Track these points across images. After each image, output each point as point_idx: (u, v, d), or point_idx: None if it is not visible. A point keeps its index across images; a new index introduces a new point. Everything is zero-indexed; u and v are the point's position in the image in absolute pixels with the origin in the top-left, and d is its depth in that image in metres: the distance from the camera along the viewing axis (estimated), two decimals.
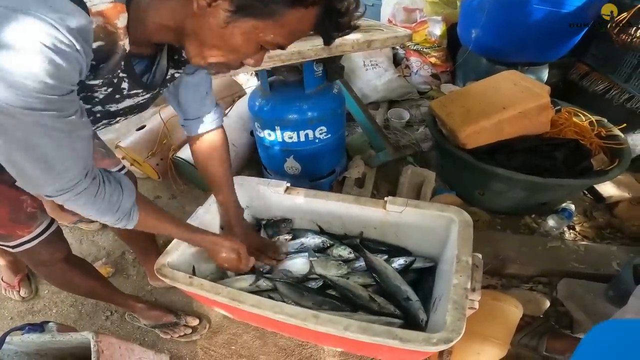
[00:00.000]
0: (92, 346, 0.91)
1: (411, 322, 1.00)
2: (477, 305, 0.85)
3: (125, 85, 0.69)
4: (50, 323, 1.09)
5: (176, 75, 0.85)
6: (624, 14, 1.83)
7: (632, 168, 1.65)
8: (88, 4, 0.54)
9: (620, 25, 1.84)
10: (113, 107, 0.74)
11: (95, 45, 0.57)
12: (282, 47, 0.68)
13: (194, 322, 1.35)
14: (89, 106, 0.70)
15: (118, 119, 0.82)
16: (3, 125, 0.53)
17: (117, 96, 0.71)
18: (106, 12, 0.56)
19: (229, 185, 1.16)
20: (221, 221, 1.25)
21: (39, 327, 1.07)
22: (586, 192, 1.82)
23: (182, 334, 1.32)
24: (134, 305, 1.31)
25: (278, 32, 0.63)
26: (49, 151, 0.59)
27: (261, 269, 1.21)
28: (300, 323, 0.83)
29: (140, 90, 0.75)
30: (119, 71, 0.66)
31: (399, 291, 1.07)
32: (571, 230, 1.64)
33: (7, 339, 0.98)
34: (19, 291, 1.54)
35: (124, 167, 1.19)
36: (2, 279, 1.56)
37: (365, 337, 0.78)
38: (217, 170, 1.11)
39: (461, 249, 0.93)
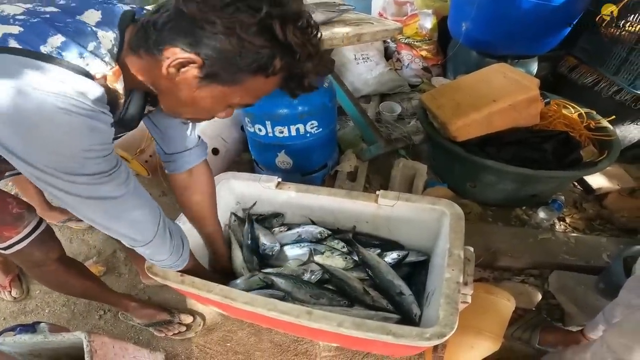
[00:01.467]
0: (85, 346, 0.90)
1: (405, 317, 1.00)
2: (469, 299, 0.85)
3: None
4: (42, 323, 1.08)
5: (152, 110, 0.87)
6: (613, 7, 1.85)
7: (621, 159, 1.68)
8: (92, 72, 0.61)
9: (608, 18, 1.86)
10: None
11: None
12: (250, 106, 0.74)
13: (188, 319, 1.34)
14: None
15: None
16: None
17: None
18: (109, 78, 0.64)
19: (216, 219, 1.17)
20: (209, 254, 1.25)
21: (31, 328, 1.06)
22: (576, 184, 1.84)
23: (176, 331, 1.32)
24: (127, 304, 1.30)
25: (244, 95, 0.69)
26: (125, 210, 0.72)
27: (268, 251, 1.23)
28: (294, 320, 0.83)
29: (124, 133, 0.86)
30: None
31: (392, 286, 1.07)
32: (561, 222, 1.66)
33: (0, 339, 0.97)
34: (10, 292, 1.53)
35: None
36: None
37: (359, 333, 0.79)
38: (206, 205, 1.12)
39: (453, 242, 0.94)
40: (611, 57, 1.90)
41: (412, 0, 2.71)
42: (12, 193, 1.11)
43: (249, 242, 1.25)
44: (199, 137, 1.05)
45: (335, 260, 1.18)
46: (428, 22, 2.60)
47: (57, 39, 0.59)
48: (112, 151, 0.66)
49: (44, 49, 0.57)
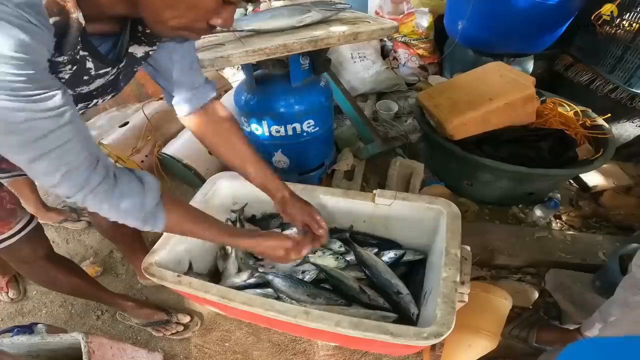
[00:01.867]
0: (82, 347, 0.90)
1: (403, 316, 1.00)
2: (466, 299, 0.86)
3: (90, 65, 0.65)
4: (39, 325, 1.08)
5: (150, 52, 0.80)
6: (608, 5, 1.85)
7: (617, 157, 1.69)
8: None
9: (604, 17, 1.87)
10: (85, 89, 0.71)
11: (51, 20, 0.53)
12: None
13: (186, 319, 1.34)
14: None
15: (95, 101, 0.78)
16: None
17: (85, 77, 0.67)
18: None
19: (255, 155, 1.00)
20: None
21: (28, 329, 1.06)
22: (572, 182, 1.85)
23: (174, 331, 1.32)
24: (123, 303, 1.30)
25: None
26: (41, 142, 0.55)
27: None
28: (291, 320, 0.83)
29: (108, 69, 0.70)
30: (79, 48, 0.61)
31: (389, 285, 1.08)
32: (558, 220, 1.66)
33: None
34: (7, 292, 1.53)
35: None
36: None
37: (356, 333, 0.79)
38: (233, 143, 0.98)
39: (450, 241, 0.94)
40: (606, 56, 1.91)
41: None
42: None
43: None
44: (207, 78, 0.97)
45: (326, 260, 1.18)
46: (424, 21, 2.60)
47: None
48: (43, 72, 0.53)
49: None
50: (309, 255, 1.19)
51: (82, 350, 0.90)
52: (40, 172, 0.59)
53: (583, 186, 1.79)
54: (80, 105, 0.76)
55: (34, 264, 1.01)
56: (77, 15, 0.56)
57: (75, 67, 0.63)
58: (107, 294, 1.26)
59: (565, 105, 1.76)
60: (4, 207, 0.88)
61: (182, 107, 0.94)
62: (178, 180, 1.95)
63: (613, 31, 1.87)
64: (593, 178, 1.77)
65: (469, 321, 1.03)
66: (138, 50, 0.76)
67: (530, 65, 2.32)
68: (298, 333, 1.26)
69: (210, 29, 0.66)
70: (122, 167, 0.71)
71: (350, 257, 1.20)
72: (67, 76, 0.63)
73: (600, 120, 1.68)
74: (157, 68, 0.88)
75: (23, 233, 0.93)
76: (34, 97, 0.52)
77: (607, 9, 1.85)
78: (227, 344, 1.31)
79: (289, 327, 1.10)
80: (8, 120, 0.51)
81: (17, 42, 0.47)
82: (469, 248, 0.95)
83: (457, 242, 0.94)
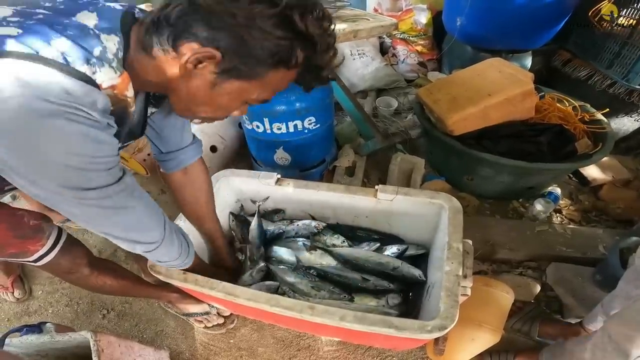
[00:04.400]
0: (91, 345, 0.90)
1: (412, 284, 1.08)
2: (469, 292, 0.86)
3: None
4: (48, 324, 1.07)
5: (154, 112, 0.85)
6: (608, 5, 1.86)
7: (615, 151, 1.70)
8: (98, 81, 0.57)
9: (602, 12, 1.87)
10: None
11: (112, 108, 0.61)
12: (266, 101, 0.72)
13: (226, 312, 1.33)
14: None
15: None
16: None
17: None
18: (118, 86, 0.60)
19: (215, 215, 1.16)
20: (209, 251, 1.24)
21: (37, 328, 1.05)
22: (571, 176, 1.87)
23: (215, 323, 1.32)
24: (169, 295, 1.26)
25: (262, 90, 0.68)
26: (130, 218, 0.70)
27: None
28: (297, 315, 0.84)
29: (132, 141, 0.83)
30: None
31: (382, 266, 1.12)
32: (558, 214, 1.68)
33: (7, 340, 0.97)
34: (12, 292, 1.52)
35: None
36: None
37: (361, 327, 0.80)
38: (203, 202, 1.11)
39: (452, 235, 0.95)
40: (604, 51, 1.91)
41: None
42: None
43: (257, 231, 1.28)
44: (194, 135, 1.04)
45: (325, 259, 1.20)
46: (423, 17, 2.61)
47: (61, 43, 0.54)
48: (118, 162, 0.64)
49: (47, 53, 0.52)
50: (309, 252, 1.21)
51: (92, 348, 0.90)
52: None
53: (582, 180, 1.81)
54: None
55: (78, 273, 0.99)
56: (133, 108, 0.67)
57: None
58: (152, 288, 1.23)
59: (564, 100, 1.77)
60: (27, 225, 0.86)
61: (167, 165, 1.02)
62: None
63: (610, 27, 1.88)
64: (592, 172, 1.78)
65: (472, 315, 1.04)
66: (148, 111, 0.82)
67: (528, 61, 2.33)
68: (302, 329, 1.28)
69: (226, 117, 0.77)
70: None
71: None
72: None
73: (598, 115, 1.69)
74: (151, 124, 0.92)
75: (58, 247, 0.91)
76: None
77: (607, 8, 1.86)
78: (232, 340, 1.32)
79: (293, 322, 1.11)
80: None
81: (104, 146, 0.59)
82: (470, 242, 0.96)
83: (459, 236, 0.94)
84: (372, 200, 1.16)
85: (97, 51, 0.57)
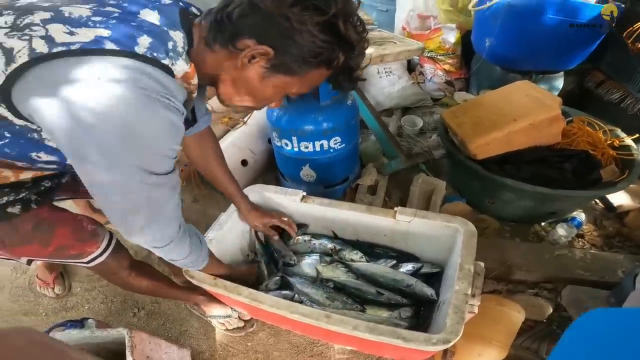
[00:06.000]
0: (126, 341, 0.98)
1: (424, 303, 1.12)
2: (476, 310, 0.91)
3: None
4: (90, 319, 1.17)
5: None
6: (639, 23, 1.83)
7: None
8: (175, 72, 0.66)
9: (636, 33, 1.84)
10: None
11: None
12: (303, 94, 0.80)
13: (247, 317, 1.41)
14: None
15: None
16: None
17: None
18: (188, 75, 0.69)
19: (231, 177, 1.24)
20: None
21: (79, 323, 1.15)
22: (597, 201, 1.84)
23: (235, 326, 1.39)
24: (196, 297, 1.35)
25: (302, 85, 0.76)
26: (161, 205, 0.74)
27: (283, 259, 1.33)
28: (314, 322, 0.91)
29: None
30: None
31: (397, 282, 1.17)
32: (580, 239, 1.66)
33: (50, 334, 1.07)
34: (53, 288, 1.59)
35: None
36: (37, 276, 1.62)
37: (372, 336, 0.86)
38: (216, 166, 1.20)
39: (464, 257, 1.00)
40: (638, 73, 1.88)
41: (435, 14, 2.74)
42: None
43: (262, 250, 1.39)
44: (207, 108, 1.12)
45: (337, 272, 1.26)
46: (451, 36, 2.62)
47: (145, 40, 0.62)
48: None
49: (138, 50, 0.60)
50: (322, 264, 1.28)
51: (126, 344, 0.98)
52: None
53: (608, 206, 1.78)
54: None
55: (120, 274, 1.09)
56: (195, 94, 0.76)
57: None
58: (181, 290, 1.32)
59: (594, 124, 1.74)
60: (86, 229, 0.96)
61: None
62: (213, 190, 2.06)
63: None
64: (619, 198, 1.75)
65: (481, 331, 1.08)
66: None
67: (560, 82, 2.30)
68: (317, 336, 1.34)
69: (263, 108, 0.86)
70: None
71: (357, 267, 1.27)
72: None
73: (628, 140, 1.66)
74: None
75: (109, 250, 1.01)
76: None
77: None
78: (249, 343, 1.40)
79: (309, 329, 1.18)
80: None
81: (180, 133, 0.68)
82: (482, 264, 1.01)
83: (472, 259, 0.99)
84: (391, 220, 1.22)
85: (170, 45, 0.65)
